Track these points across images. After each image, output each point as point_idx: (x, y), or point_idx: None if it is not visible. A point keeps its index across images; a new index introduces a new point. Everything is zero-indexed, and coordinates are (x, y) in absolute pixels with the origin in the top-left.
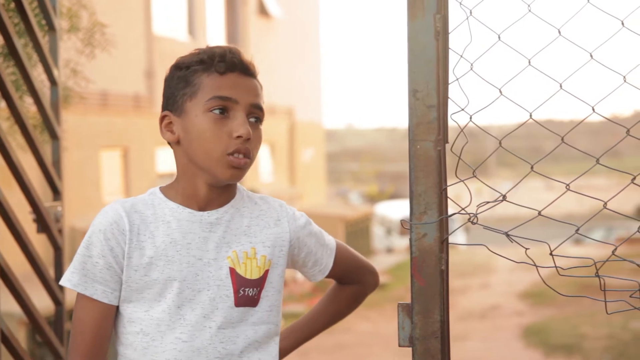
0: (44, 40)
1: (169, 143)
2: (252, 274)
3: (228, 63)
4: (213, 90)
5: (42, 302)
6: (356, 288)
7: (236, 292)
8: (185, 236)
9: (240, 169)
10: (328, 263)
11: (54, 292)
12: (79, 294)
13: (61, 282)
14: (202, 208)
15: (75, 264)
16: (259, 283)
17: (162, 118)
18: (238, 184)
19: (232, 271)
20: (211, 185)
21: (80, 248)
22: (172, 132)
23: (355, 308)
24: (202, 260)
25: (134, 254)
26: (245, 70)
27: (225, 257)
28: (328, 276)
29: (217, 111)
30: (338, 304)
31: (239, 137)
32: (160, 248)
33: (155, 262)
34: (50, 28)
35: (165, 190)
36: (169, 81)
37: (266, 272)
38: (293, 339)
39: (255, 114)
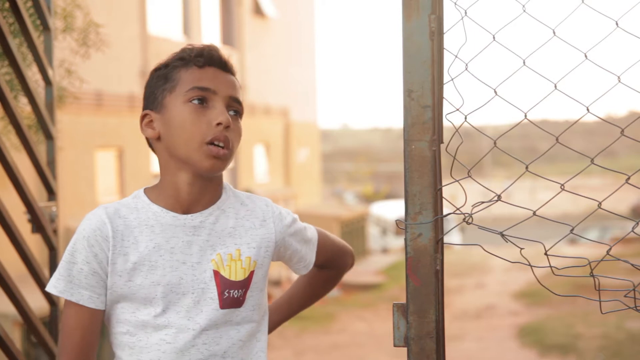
0: (38, 40)
1: (149, 143)
2: (237, 275)
3: (206, 57)
4: (192, 82)
5: (36, 302)
6: (333, 272)
7: (221, 294)
8: (168, 241)
9: (219, 159)
10: (312, 258)
11: (49, 292)
12: (66, 300)
13: (47, 289)
14: (185, 211)
15: (60, 271)
16: (245, 284)
17: (143, 117)
18: (225, 183)
19: (216, 274)
20: (193, 181)
21: (65, 255)
22: (152, 129)
23: (332, 289)
24: (185, 264)
25: (117, 260)
26: (223, 66)
27: (209, 260)
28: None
29: (196, 101)
30: (315, 287)
31: (218, 124)
32: (143, 253)
33: (139, 267)
34: (45, 28)
35: (149, 193)
36: (149, 82)
37: (251, 273)
38: (270, 322)
39: (234, 107)
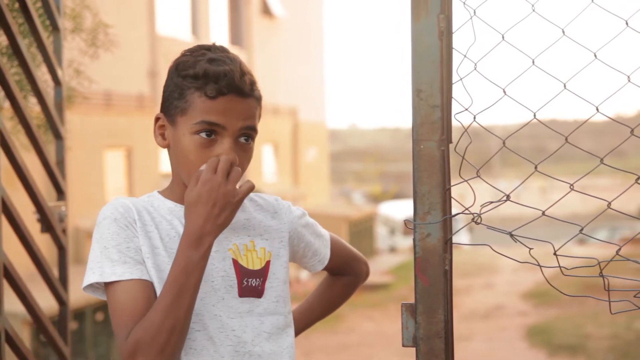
0: (48, 41)
1: None
2: (254, 264)
3: (220, 87)
4: (202, 114)
5: (46, 302)
6: (349, 279)
7: (240, 282)
8: None
9: None
10: (326, 253)
11: (58, 291)
12: (110, 286)
13: (94, 280)
14: None
15: (97, 260)
16: (262, 274)
17: (157, 119)
18: None
19: (235, 262)
20: None
21: (95, 247)
22: (163, 137)
23: (348, 298)
24: None
25: (144, 242)
26: (240, 92)
27: (227, 249)
28: (325, 268)
29: (203, 134)
30: (332, 295)
31: None
32: (165, 240)
33: (160, 252)
34: (54, 28)
35: (163, 193)
36: (168, 81)
37: (267, 262)
38: None
39: (246, 133)
